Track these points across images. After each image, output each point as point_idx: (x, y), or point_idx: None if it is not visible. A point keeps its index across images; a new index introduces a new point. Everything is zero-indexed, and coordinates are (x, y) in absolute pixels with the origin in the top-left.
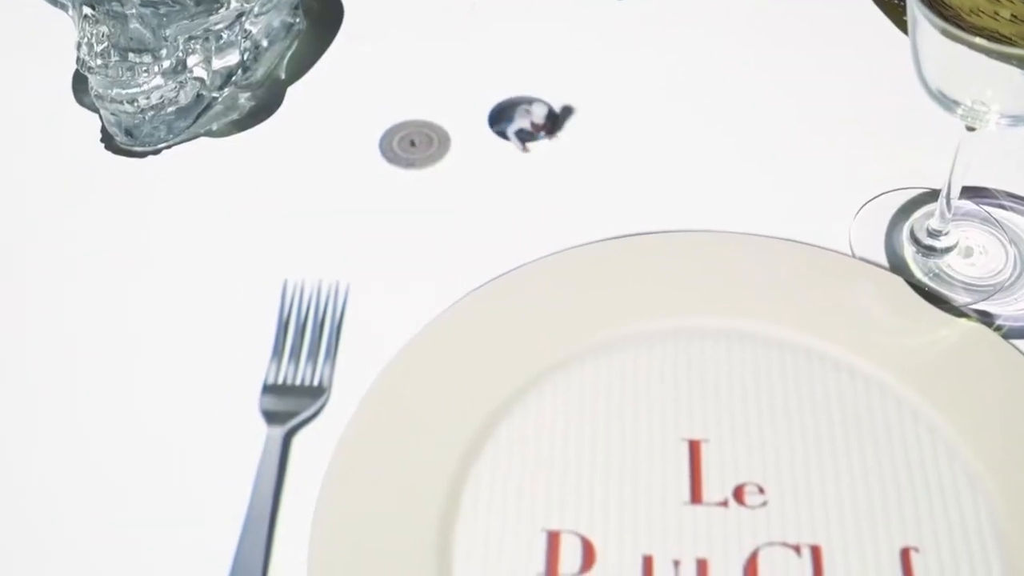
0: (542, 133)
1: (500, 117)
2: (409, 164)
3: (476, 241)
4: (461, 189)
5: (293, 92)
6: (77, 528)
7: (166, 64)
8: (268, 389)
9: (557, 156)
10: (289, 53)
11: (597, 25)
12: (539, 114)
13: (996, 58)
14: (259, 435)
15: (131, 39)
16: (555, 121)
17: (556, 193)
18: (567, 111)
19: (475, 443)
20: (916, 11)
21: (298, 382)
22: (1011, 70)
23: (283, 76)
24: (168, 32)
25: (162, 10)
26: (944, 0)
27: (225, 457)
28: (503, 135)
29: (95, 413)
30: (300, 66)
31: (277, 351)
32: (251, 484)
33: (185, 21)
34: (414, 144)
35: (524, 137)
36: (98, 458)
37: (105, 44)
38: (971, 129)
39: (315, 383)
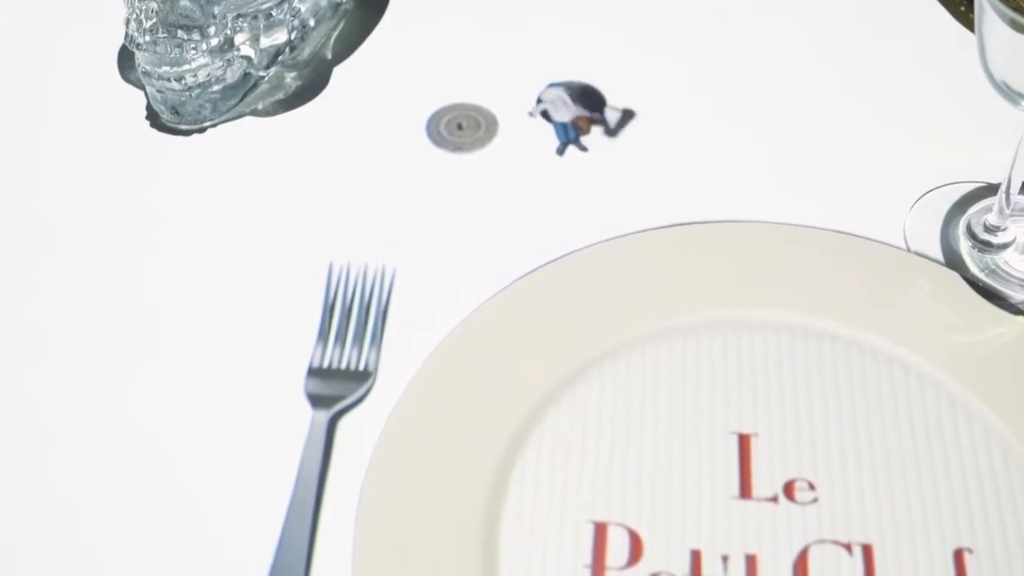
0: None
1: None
2: (456, 147)
3: (524, 226)
4: (509, 173)
5: (339, 72)
6: (118, 512)
7: (214, 42)
8: (313, 372)
9: (608, 143)
10: (336, 33)
11: (653, 8)
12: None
13: None
14: (304, 419)
15: (180, 15)
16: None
17: (606, 180)
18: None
19: (522, 431)
20: (984, 1)
21: (343, 366)
22: None
23: (329, 56)
24: (217, 9)
25: None
26: None
27: (270, 441)
28: (547, 116)
29: (137, 395)
30: (346, 46)
31: (322, 334)
32: (296, 468)
33: None
34: (461, 127)
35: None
36: (141, 441)
37: (154, 20)
38: None
39: (361, 367)
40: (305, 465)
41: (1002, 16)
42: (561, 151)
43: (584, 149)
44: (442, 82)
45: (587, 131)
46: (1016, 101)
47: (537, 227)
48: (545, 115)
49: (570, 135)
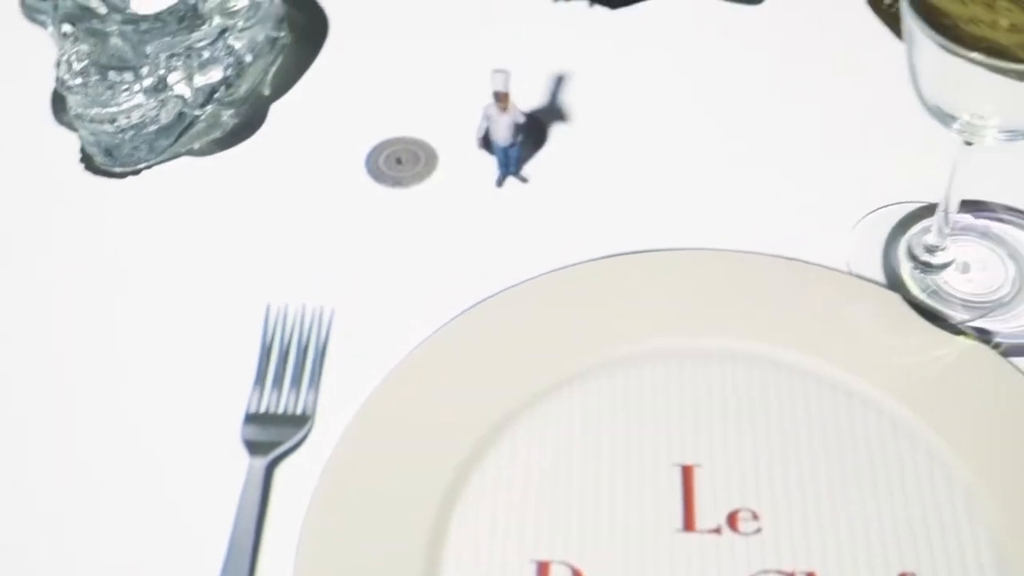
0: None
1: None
2: (396, 182)
3: (464, 262)
4: (449, 208)
5: (277, 109)
6: (56, 561)
7: (147, 82)
8: (250, 418)
9: (549, 171)
10: (273, 68)
11: (590, 37)
12: (499, 82)
13: (994, 72)
14: (241, 466)
15: (111, 56)
16: (538, 127)
17: (547, 211)
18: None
19: (462, 471)
20: (912, 26)
21: (281, 410)
22: (1009, 84)
23: (267, 92)
24: (149, 49)
25: (143, 27)
26: (942, 9)
27: (206, 489)
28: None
29: (72, 441)
30: (285, 81)
31: (259, 378)
32: (233, 517)
33: (167, 38)
34: (401, 162)
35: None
36: (76, 488)
37: (85, 62)
38: (969, 144)
39: (299, 411)
40: (242, 513)
41: (931, 40)
42: (500, 182)
43: (524, 180)
44: (381, 116)
45: (506, 106)
46: (949, 123)
47: (478, 262)
48: (486, 139)
49: (510, 166)
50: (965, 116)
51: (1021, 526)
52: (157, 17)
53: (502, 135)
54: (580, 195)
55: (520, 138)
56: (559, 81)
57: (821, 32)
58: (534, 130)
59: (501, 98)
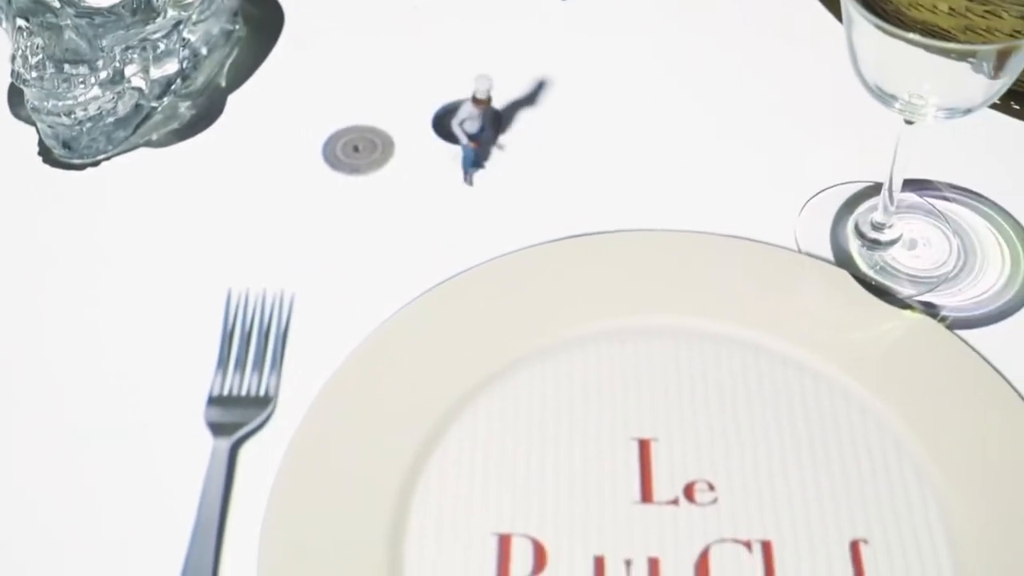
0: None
1: (443, 121)
2: (353, 170)
3: (422, 246)
4: (406, 194)
5: (234, 100)
6: (21, 545)
7: (103, 75)
8: (213, 400)
9: (504, 157)
10: (229, 60)
11: (542, 26)
12: (483, 88)
13: (931, 52)
14: (205, 447)
15: (66, 50)
16: (497, 119)
17: (503, 195)
18: (509, 111)
19: (423, 449)
20: (851, 9)
21: (244, 393)
22: (946, 63)
23: (224, 84)
24: (104, 42)
25: (97, 20)
26: None
27: (171, 471)
28: (449, 136)
29: (37, 428)
30: (241, 73)
31: (222, 362)
32: (198, 498)
33: (121, 31)
34: (358, 149)
35: (469, 131)
36: (42, 473)
37: (40, 56)
38: (909, 123)
39: (261, 393)
40: (207, 494)
41: (869, 22)
42: (469, 180)
43: (482, 166)
44: (337, 105)
45: (484, 109)
46: (889, 103)
47: (436, 246)
48: (439, 122)
49: (479, 160)
50: (905, 96)
51: (968, 494)
52: (111, 11)
53: (469, 123)
54: (535, 179)
55: (485, 131)
56: (515, 70)
57: (768, 18)
58: (492, 118)
59: (480, 103)
